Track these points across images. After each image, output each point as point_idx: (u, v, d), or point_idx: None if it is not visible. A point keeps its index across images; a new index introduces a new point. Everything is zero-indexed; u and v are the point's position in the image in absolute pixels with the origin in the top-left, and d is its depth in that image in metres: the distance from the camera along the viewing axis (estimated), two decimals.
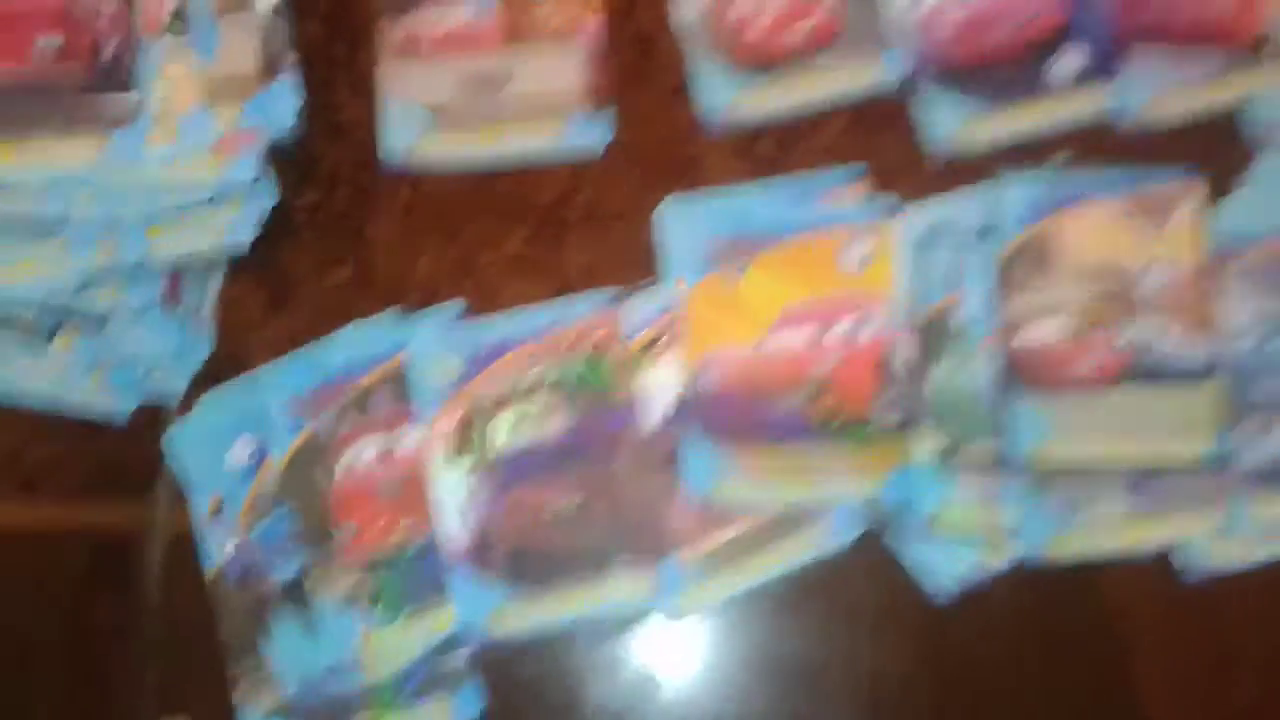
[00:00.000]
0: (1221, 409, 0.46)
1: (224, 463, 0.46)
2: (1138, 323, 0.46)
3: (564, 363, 0.47)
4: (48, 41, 0.44)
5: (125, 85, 0.44)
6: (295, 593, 0.45)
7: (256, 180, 0.45)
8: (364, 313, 0.48)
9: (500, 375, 0.47)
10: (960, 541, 0.46)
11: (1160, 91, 0.50)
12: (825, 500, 0.46)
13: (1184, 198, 0.47)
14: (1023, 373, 0.46)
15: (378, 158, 0.50)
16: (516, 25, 0.52)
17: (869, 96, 0.51)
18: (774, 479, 0.46)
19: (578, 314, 0.48)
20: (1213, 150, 0.50)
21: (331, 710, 0.44)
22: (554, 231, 0.50)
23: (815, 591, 0.47)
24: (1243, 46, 0.50)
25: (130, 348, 0.46)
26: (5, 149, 0.43)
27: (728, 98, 0.51)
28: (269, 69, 0.45)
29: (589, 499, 0.46)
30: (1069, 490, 0.46)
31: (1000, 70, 0.50)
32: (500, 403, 0.47)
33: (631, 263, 0.49)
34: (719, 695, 0.47)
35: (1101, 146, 0.50)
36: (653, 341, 0.48)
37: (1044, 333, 0.47)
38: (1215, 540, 0.46)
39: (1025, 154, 0.50)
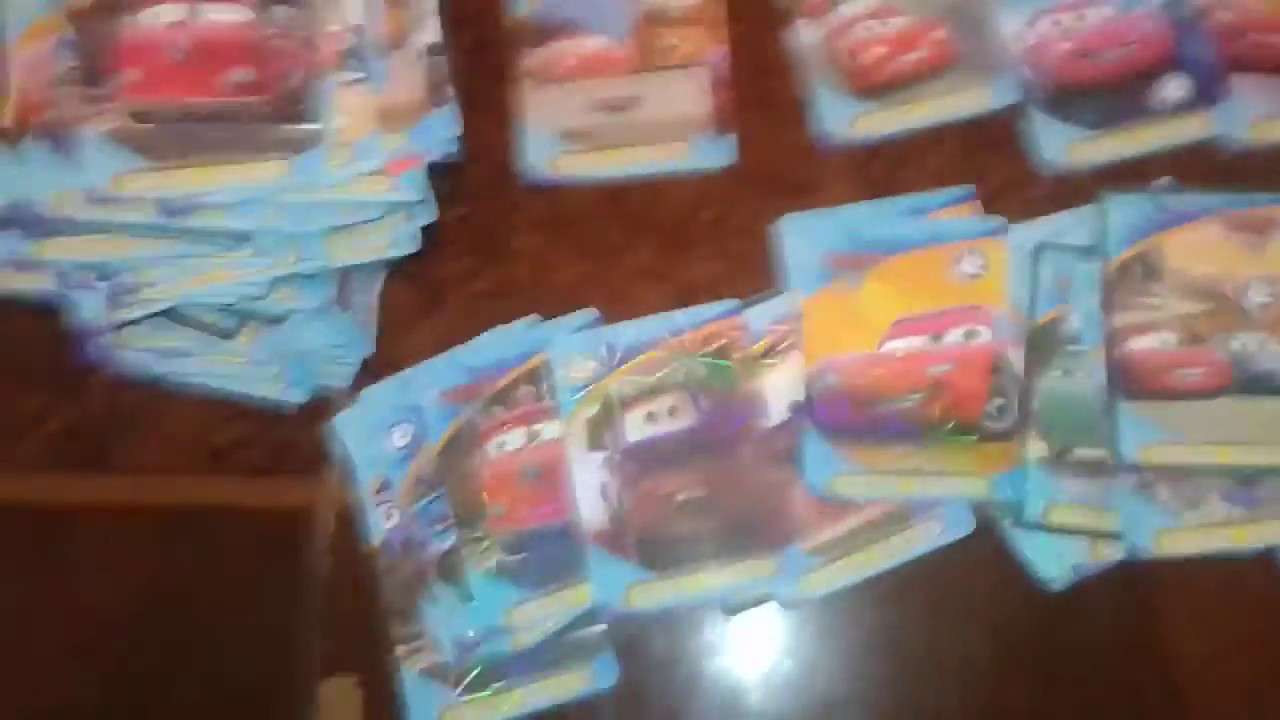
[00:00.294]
0: None
1: (385, 447, 0.51)
2: (1241, 336, 0.49)
3: (691, 364, 0.51)
4: (240, 75, 0.49)
5: (307, 115, 0.49)
6: (450, 565, 0.49)
7: (420, 198, 0.50)
8: (506, 317, 0.52)
9: (633, 375, 0.51)
10: (1069, 537, 0.48)
11: (1262, 117, 0.52)
12: (936, 498, 0.49)
13: None
14: (1129, 381, 0.49)
15: (518, 176, 0.55)
16: (645, 54, 0.56)
17: (979, 119, 0.54)
18: (886, 477, 0.49)
19: (704, 319, 0.51)
20: None
21: (483, 672, 0.49)
22: (680, 245, 0.54)
23: (926, 582, 0.49)
24: None
25: (305, 344, 0.51)
26: (203, 171, 0.48)
27: (843, 121, 0.54)
28: (431, 99, 0.50)
29: (713, 490, 0.50)
30: (1173, 492, 0.48)
31: (1106, 95, 0.53)
32: (632, 400, 0.51)
33: (752, 275, 0.53)
34: (832, 677, 0.50)
35: (1205, 169, 0.52)
36: (773, 346, 0.51)
37: (1150, 344, 0.49)
38: None
39: (1130, 175, 0.52)
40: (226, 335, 0.52)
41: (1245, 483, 0.48)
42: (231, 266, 0.49)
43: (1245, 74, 0.53)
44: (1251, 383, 0.48)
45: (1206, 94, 0.53)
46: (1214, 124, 0.52)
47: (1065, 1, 0.54)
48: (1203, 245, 0.50)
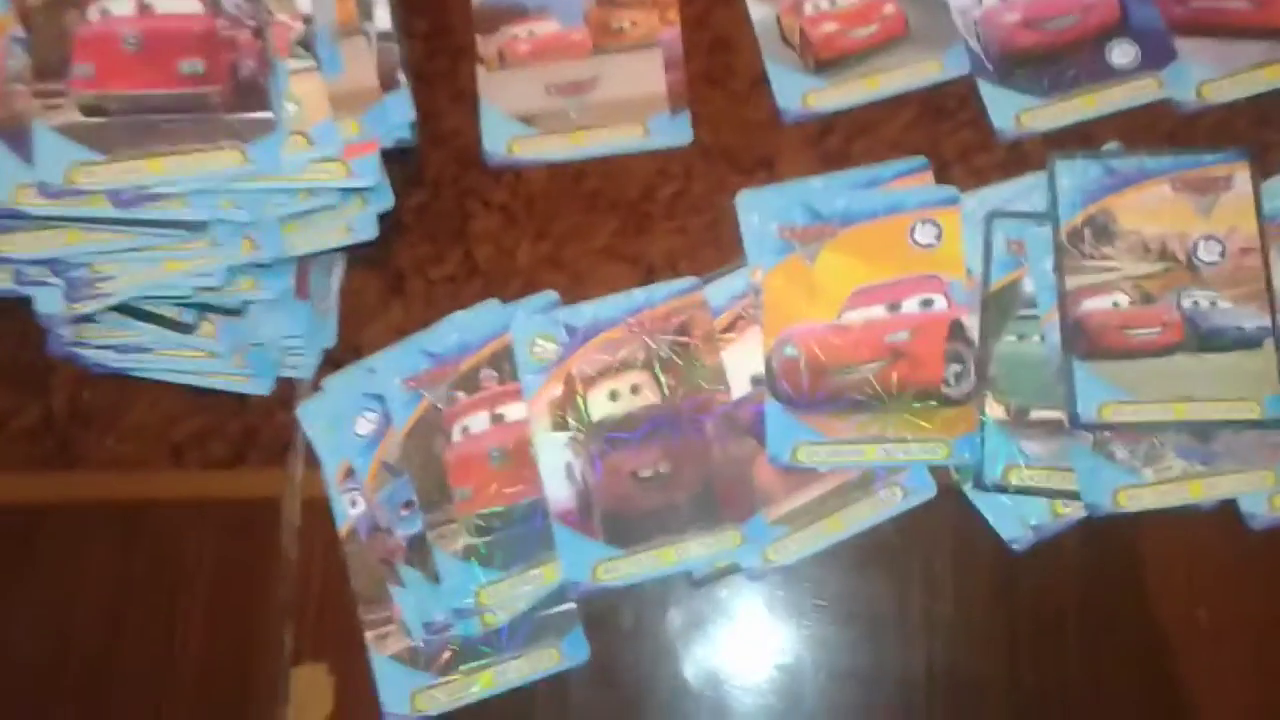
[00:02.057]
0: (1275, 372, 0.48)
1: (350, 434, 0.51)
2: (1192, 294, 0.49)
3: (652, 342, 0.51)
4: (193, 66, 0.49)
5: (261, 103, 0.49)
6: (418, 548, 0.50)
7: (376, 184, 0.50)
8: (468, 301, 0.53)
9: (595, 353, 0.51)
10: (1029, 498, 0.49)
11: (1208, 78, 0.53)
12: (899, 463, 0.50)
13: (1233, 176, 0.50)
14: (1084, 342, 0.49)
15: (477, 160, 0.55)
16: (600, 36, 0.57)
17: (931, 90, 0.54)
18: (848, 445, 0.50)
19: (664, 297, 0.52)
20: (1263, 131, 0.52)
21: (454, 653, 0.49)
22: (640, 224, 0.55)
23: (891, 547, 0.50)
24: None
25: (265, 334, 0.52)
26: (157, 161, 0.48)
27: (797, 96, 0.55)
28: (384, 84, 0.50)
29: (677, 465, 0.50)
30: (1130, 450, 0.48)
31: (1054, 62, 0.54)
32: (595, 379, 0.51)
33: (712, 251, 0.53)
34: (800, 644, 0.50)
35: (1154, 132, 0.53)
36: (733, 321, 0.52)
37: (1103, 304, 0.50)
38: (1273, 493, 0.48)
39: (1081, 140, 0.53)
40: (187, 328, 0.52)
41: (1201, 437, 0.48)
42: (188, 257, 0.49)
43: (1191, 38, 0.53)
44: (1204, 339, 0.49)
45: (1154, 58, 0.53)
46: (1162, 87, 0.53)
47: None
48: (1152, 206, 0.50)
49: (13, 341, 0.54)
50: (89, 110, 0.48)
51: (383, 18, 0.51)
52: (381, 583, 0.50)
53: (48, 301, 0.49)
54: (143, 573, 0.52)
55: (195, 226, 0.49)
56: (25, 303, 0.50)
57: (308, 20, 0.50)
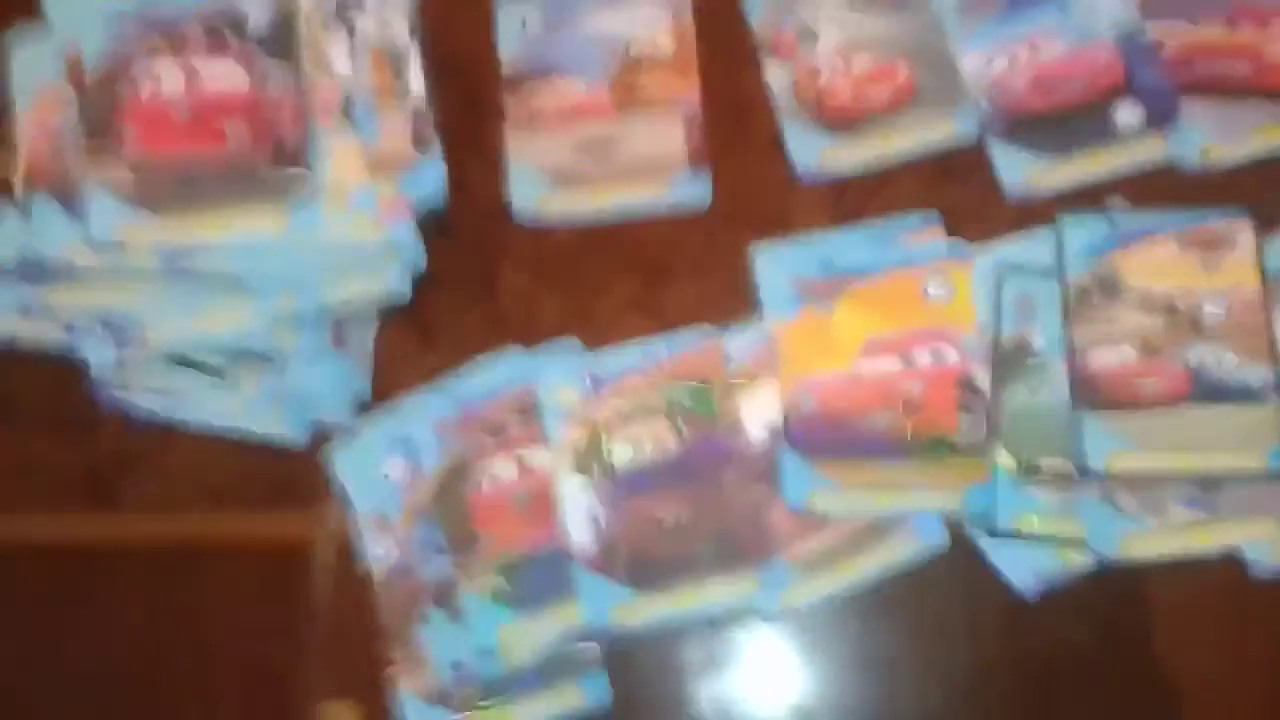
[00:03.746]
0: (1278, 424, 0.49)
1: (381, 479, 0.53)
2: (1197, 348, 0.51)
3: (673, 389, 0.53)
4: (237, 130, 0.52)
5: (301, 166, 0.51)
6: (445, 590, 0.51)
7: (409, 243, 0.52)
8: (496, 350, 0.55)
9: (617, 401, 0.53)
10: (1041, 545, 0.50)
11: (1212, 139, 0.54)
12: (912, 511, 0.51)
13: (1236, 235, 0.52)
14: (1092, 394, 0.51)
15: (505, 216, 0.58)
16: (623, 97, 0.59)
17: (945, 149, 0.56)
18: (862, 492, 0.51)
19: (685, 346, 0.54)
20: (1266, 190, 0.54)
21: (478, 692, 0.51)
22: (661, 279, 0.56)
23: (905, 593, 0.51)
24: None
25: (303, 383, 0.54)
26: (202, 219, 0.51)
27: (815, 154, 0.57)
28: (417, 147, 0.53)
29: (697, 512, 0.52)
30: (1137, 499, 0.50)
31: (1062, 123, 0.55)
32: (618, 425, 0.53)
33: (730, 305, 0.55)
34: (816, 688, 0.51)
35: (1160, 191, 0.54)
36: (751, 371, 0.54)
37: (1110, 358, 0.51)
38: (1278, 543, 0.49)
39: (1089, 199, 0.54)
40: (228, 377, 0.54)
41: (1206, 487, 0.49)
42: (230, 310, 0.52)
43: (1195, 99, 0.55)
44: (1209, 392, 0.50)
45: (1159, 119, 0.55)
46: (1167, 147, 0.55)
47: (1021, 36, 0.57)
48: (1158, 262, 0.52)
49: (60, 389, 0.56)
50: (138, 170, 0.51)
51: (416, 83, 0.54)
52: (409, 623, 0.52)
53: (96, 352, 0.52)
54: (180, 612, 0.54)
55: (237, 282, 0.51)
56: (70, 351, 0.53)
57: (345, 87, 0.52)
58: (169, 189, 0.50)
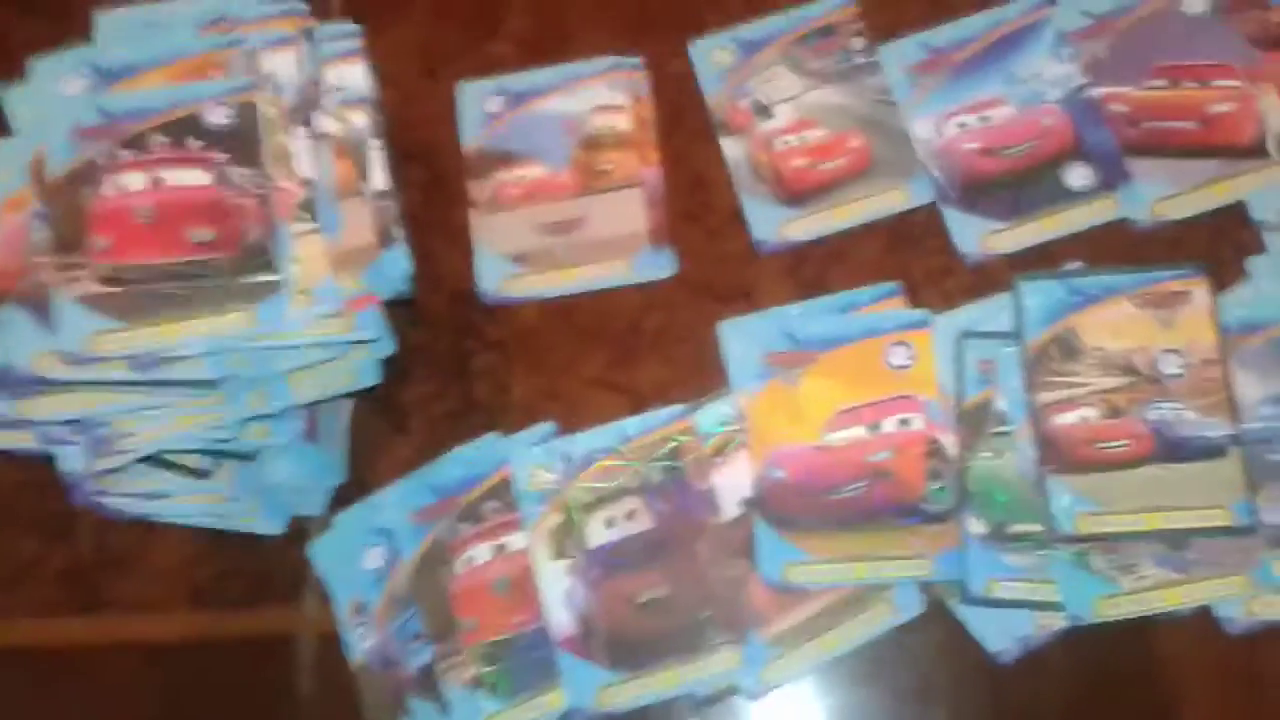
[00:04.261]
0: (1242, 479, 0.50)
1: (360, 569, 0.54)
2: (1158, 406, 0.51)
3: (645, 468, 0.54)
4: (202, 234, 0.52)
5: (267, 266, 0.52)
6: (427, 679, 0.51)
7: (378, 334, 0.53)
8: (469, 435, 0.55)
9: (591, 482, 0.54)
10: (1013, 610, 0.51)
11: (1162, 197, 0.55)
12: (886, 580, 0.51)
13: (1191, 291, 0.53)
14: (1056, 456, 0.51)
15: (473, 299, 0.59)
16: (585, 177, 0.60)
17: (899, 218, 0.57)
18: (836, 564, 0.52)
19: (655, 425, 0.54)
20: (1217, 246, 0.55)
21: None
22: (629, 354, 0.57)
23: (884, 663, 0.51)
24: (1240, 150, 0.56)
25: (279, 475, 0.54)
26: (171, 326, 0.51)
27: (774, 226, 0.58)
28: (382, 240, 0.53)
29: (674, 588, 0.52)
30: (1107, 559, 0.50)
31: (1014, 187, 0.57)
32: (592, 506, 0.53)
33: (698, 377, 0.56)
34: None
35: (1113, 249, 0.55)
36: (722, 445, 0.54)
37: (1073, 419, 0.52)
38: (1248, 598, 0.50)
39: (1043, 260, 0.56)
40: (204, 475, 0.55)
41: (1175, 546, 0.50)
42: (202, 412, 0.52)
43: (1143, 159, 0.56)
44: (1172, 450, 0.51)
45: (1109, 179, 0.56)
46: (1119, 206, 0.56)
47: (969, 104, 0.58)
48: (1115, 322, 0.53)
49: (39, 491, 0.56)
50: (107, 281, 0.51)
51: (379, 178, 0.55)
52: (393, 714, 0.52)
53: (71, 459, 0.52)
54: (165, 711, 0.54)
55: (209, 384, 0.52)
56: (47, 454, 0.53)
57: (309, 185, 0.53)
58: (138, 297, 0.51)
